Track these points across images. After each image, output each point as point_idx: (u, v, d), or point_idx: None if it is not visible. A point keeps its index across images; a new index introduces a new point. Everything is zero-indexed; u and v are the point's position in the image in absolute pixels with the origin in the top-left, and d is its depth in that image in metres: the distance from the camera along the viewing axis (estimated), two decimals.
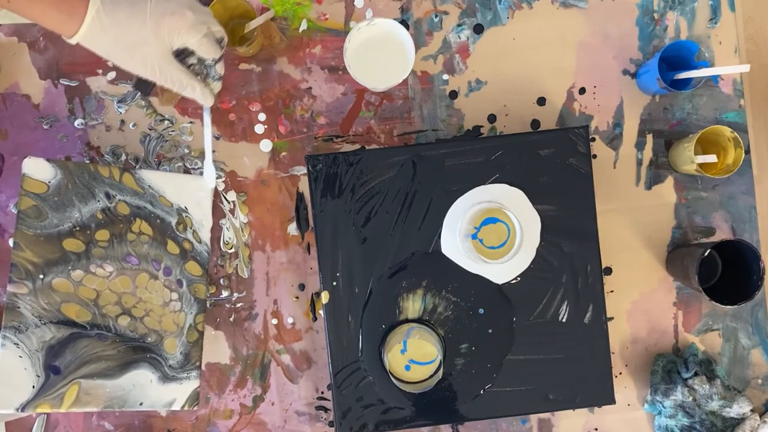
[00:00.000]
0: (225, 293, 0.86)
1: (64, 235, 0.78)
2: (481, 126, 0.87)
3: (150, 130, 0.87)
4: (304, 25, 0.87)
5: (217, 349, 0.86)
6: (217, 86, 0.79)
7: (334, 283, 0.80)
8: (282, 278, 0.87)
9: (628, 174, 0.87)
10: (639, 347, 0.87)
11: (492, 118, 0.87)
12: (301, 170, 0.87)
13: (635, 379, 0.87)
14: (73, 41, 0.70)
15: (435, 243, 0.80)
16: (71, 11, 0.68)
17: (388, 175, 0.80)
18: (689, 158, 0.80)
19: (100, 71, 0.87)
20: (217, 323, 0.86)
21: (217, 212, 0.86)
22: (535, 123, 0.87)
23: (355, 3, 0.87)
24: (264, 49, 0.87)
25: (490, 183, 0.80)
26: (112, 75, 0.87)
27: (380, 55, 0.83)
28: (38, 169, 0.78)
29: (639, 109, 0.87)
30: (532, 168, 0.80)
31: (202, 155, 0.86)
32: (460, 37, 0.88)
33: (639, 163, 0.87)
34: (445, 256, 0.80)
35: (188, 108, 0.87)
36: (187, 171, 0.86)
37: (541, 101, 0.87)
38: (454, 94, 0.87)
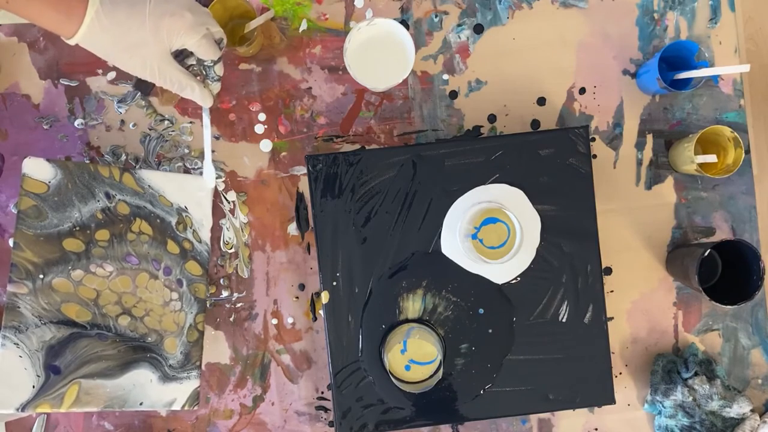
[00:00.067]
0: (225, 293, 0.86)
1: (64, 235, 0.78)
2: (481, 126, 0.87)
3: (150, 130, 0.87)
4: (304, 25, 0.87)
5: (217, 349, 0.86)
6: (216, 87, 0.79)
7: (334, 283, 0.80)
8: (282, 278, 0.87)
9: (628, 174, 0.87)
10: (639, 347, 0.87)
11: (492, 118, 0.87)
12: (301, 170, 0.87)
13: (635, 379, 0.87)
14: (72, 42, 0.70)
15: (435, 243, 0.80)
16: (70, 12, 0.68)
17: (388, 175, 0.80)
18: (689, 158, 0.80)
19: (100, 71, 0.87)
20: (217, 323, 0.86)
21: (217, 212, 0.86)
22: (535, 123, 0.87)
23: (355, 3, 0.87)
24: (264, 49, 0.87)
25: (490, 183, 0.80)
26: (112, 75, 0.87)
27: (380, 55, 0.83)
28: (38, 169, 0.78)
29: (639, 109, 0.87)
30: (532, 168, 0.80)
31: (202, 155, 0.86)
32: (460, 37, 0.87)
33: (639, 163, 0.87)
34: (445, 256, 0.80)
35: (188, 108, 0.87)
36: (187, 171, 0.86)
37: (541, 101, 0.87)
38: (454, 94, 0.87)
